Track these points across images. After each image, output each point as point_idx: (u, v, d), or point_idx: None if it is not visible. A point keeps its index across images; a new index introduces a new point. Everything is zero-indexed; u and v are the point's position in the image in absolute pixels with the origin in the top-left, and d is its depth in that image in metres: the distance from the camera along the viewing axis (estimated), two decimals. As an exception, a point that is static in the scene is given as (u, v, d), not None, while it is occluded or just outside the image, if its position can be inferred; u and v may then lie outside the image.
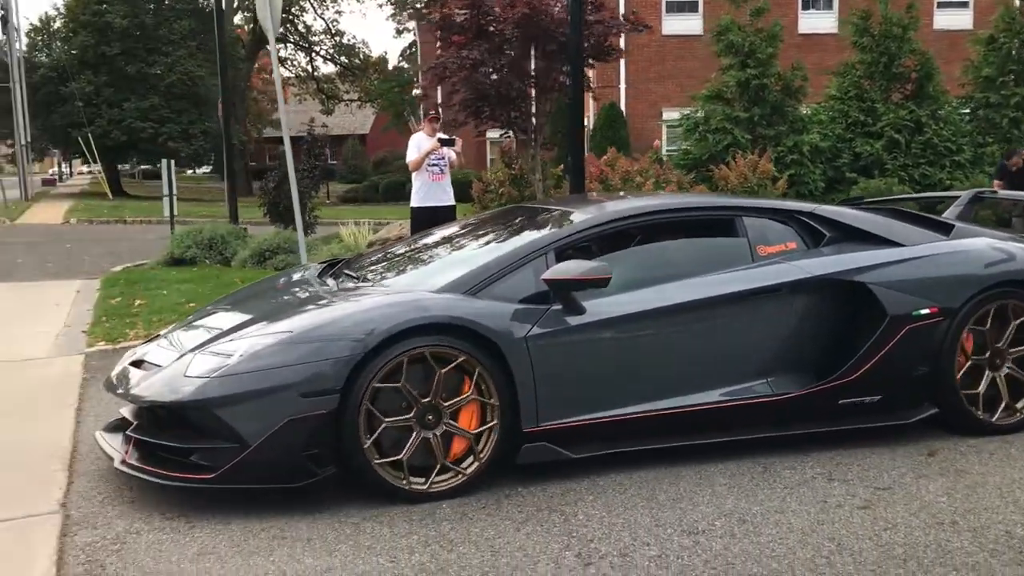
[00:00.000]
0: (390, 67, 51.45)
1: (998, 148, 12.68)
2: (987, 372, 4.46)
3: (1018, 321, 4.48)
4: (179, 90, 36.63)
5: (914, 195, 4.73)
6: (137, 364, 4.23)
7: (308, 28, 50.46)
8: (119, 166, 43.14)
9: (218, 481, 3.62)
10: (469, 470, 3.81)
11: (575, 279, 3.93)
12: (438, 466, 3.77)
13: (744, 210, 4.63)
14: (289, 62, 52.42)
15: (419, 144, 9.25)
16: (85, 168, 74.89)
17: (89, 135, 33.18)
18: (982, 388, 4.44)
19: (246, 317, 4.34)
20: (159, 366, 4.03)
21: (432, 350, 3.74)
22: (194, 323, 4.64)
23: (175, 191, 15.03)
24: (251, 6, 48.89)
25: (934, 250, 4.57)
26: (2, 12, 34.08)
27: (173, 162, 14.28)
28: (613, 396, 4.05)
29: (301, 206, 14.56)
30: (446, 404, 3.78)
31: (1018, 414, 4.51)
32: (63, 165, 68.09)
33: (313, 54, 51.24)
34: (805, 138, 12.41)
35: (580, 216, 4.50)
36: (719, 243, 4.54)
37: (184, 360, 3.92)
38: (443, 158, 9.22)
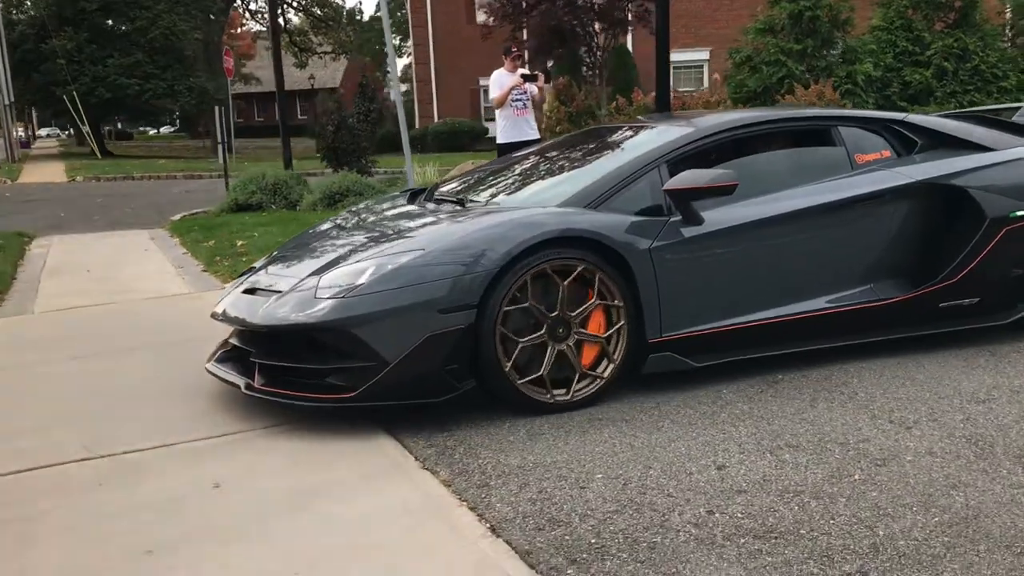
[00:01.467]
0: (366, 18, 50.67)
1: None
2: None
3: None
4: (162, 45, 35.81)
5: (988, 108, 5.06)
6: (250, 292, 4.18)
7: (278, -19, 49.42)
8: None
9: (357, 400, 3.65)
10: (606, 373, 3.92)
11: (702, 187, 3.98)
12: (576, 375, 3.87)
13: (839, 119, 4.71)
14: (260, 16, 51.43)
15: (500, 81, 9.28)
16: (44, 132, 73.10)
17: (75, 93, 32.39)
18: None
19: (361, 240, 4.31)
20: (279, 291, 3.97)
21: (560, 264, 3.78)
22: (298, 252, 4.53)
23: (223, 139, 14.86)
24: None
25: (1020, 154, 4.67)
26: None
27: (219, 110, 14.12)
28: (730, 305, 4.14)
29: (361, 149, 14.64)
30: (573, 315, 3.84)
31: None
32: (27, 129, 66.44)
33: (284, 5, 50.26)
34: (859, 67, 12.58)
35: (686, 129, 4.51)
36: (819, 152, 4.61)
37: (309, 283, 3.87)
38: (525, 92, 9.28)
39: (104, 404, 4.24)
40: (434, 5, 35.35)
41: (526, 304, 3.76)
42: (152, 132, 77.32)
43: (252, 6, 49.91)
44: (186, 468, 3.46)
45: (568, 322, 3.85)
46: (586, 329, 3.90)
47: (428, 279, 3.67)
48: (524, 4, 11.29)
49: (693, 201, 4.06)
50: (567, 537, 2.75)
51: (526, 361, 3.79)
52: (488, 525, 2.87)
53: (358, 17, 50.60)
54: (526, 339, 3.77)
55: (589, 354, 3.92)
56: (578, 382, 3.89)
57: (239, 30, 58.55)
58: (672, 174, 4.16)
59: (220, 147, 13.50)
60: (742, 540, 2.69)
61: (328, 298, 3.72)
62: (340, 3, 50.37)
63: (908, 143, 4.70)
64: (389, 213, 4.96)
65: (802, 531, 2.73)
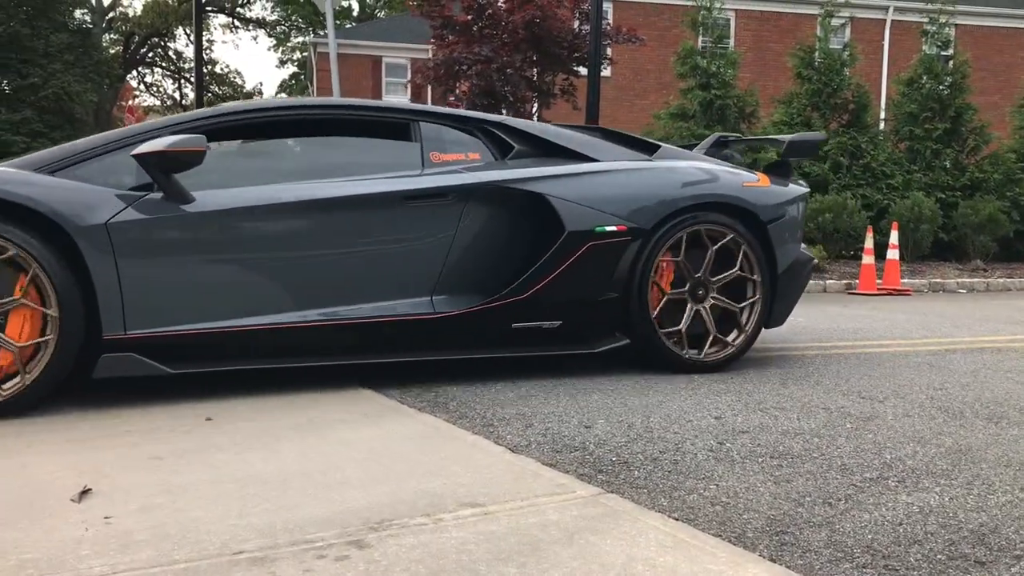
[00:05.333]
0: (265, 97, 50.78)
1: (923, 175, 14.11)
2: (689, 304, 4.18)
3: (716, 247, 4.18)
4: (54, 105, 34.87)
5: (752, 137, 4.65)
6: None
7: (179, 55, 49.24)
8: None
9: None
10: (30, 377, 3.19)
11: (163, 151, 3.31)
12: None
13: (423, 115, 4.17)
14: (156, 88, 50.86)
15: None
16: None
17: (-41, 145, 31.05)
18: (683, 325, 4.15)
19: None
20: None
21: None
22: None
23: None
24: (122, 28, 47.43)
25: (628, 166, 4.23)
26: None
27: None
28: (226, 303, 3.50)
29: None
30: None
31: (729, 347, 4.25)
32: None
33: (183, 81, 49.92)
34: (763, 155, 13.41)
35: (221, 109, 3.90)
36: (384, 146, 4.12)
37: None
38: None
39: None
40: (342, 81, 35.83)
41: None
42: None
43: (148, 79, 49.18)
44: (173, 406, 3.32)
45: None
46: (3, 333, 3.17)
47: None
48: (457, 68, 11.62)
49: (170, 172, 3.39)
50: (587, 457, 2.77)
51: None
52: (506, 446, 2.87)
53: (256, 98, 50.54)
54: None
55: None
56: None
57: (132, 101, 57.65)
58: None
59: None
60: (759, 459, 2.77)
61: None
62: (241, 84, 50.33)
63: (505, 147, 4.21)
64: None
65: (814, 455, 2.83)
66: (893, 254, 10.36)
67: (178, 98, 49.59)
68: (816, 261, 5.12)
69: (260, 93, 51.66)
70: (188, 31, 44.82)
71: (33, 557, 1.90)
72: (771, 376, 4.23)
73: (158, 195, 3.43)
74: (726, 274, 4.24)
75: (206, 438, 2.93)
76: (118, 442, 2.87)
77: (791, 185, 4.59)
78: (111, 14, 46.15)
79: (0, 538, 2.02)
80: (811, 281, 10.58)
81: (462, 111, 4.42)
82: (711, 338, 4.24)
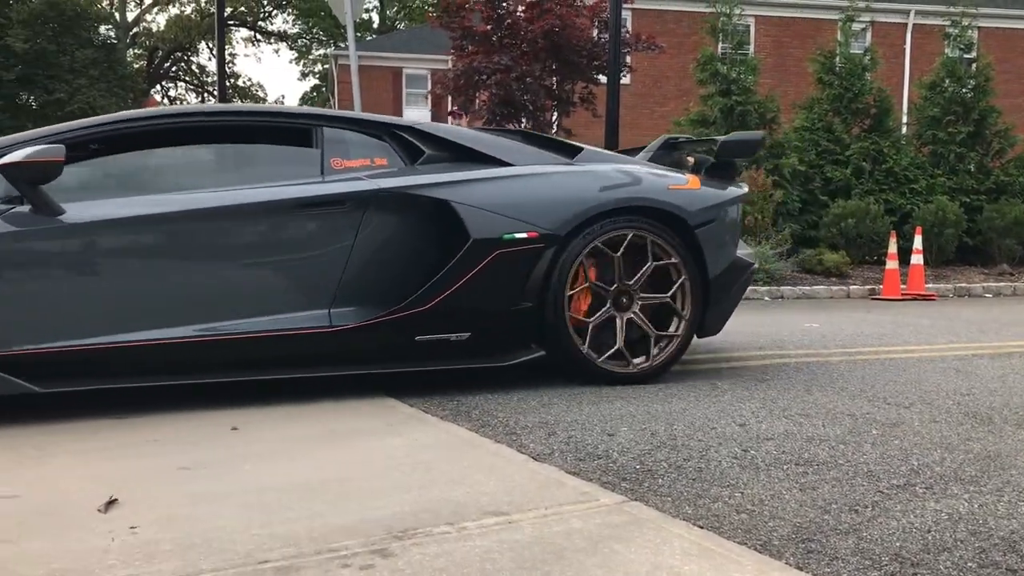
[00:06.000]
0: (289, 111, 51.24)
1: (947, 179, 13.98)
2: (612, 311, 4.00)
3: (641, 253, 4.00)
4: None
5: (687, 138, 4.33)
6: None
7: (202, 69, 49.78)
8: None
9: None
10: None
11: (21, 162, 3.21)
12: None
13: (326, 120, 3.98)
14: (179, 102, 51.36)
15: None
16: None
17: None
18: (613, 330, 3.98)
19: None
20: None
21: None
22: None
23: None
24: (146, 43, 48.06)
25: (543, 171, 4.04)
26: None
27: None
28: (105, 319, 3.37)
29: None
30: None
31: (655, 359, 4.06)
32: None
33: (206, 94, 50.43)
34: (785, 161, 13.32)
35: (113, 117, 3.76)
36: (282, 153, 3.96)
37: None
38: None
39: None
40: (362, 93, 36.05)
41: None
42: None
43: (171, 93, 49.74)
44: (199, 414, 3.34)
45: None
46: None
47: None
48: (477, 78, 11.67)
49: (35, 183, 3.29)
50: (611, 465, 2.76)
51: None
52: (529, 455, 2.86)
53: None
54: None
55: None
56: None
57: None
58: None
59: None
60: (785, 466, 2.75)
61: None
62: (263, 97, 50.80)
63: (416, 152, 4.03)
64: None
65: (839, 462, 2.81)
66: (917, 259, 10.28)
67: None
68: (756, 266, 4.47)
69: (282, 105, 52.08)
70: (211, 45, 45.35)
71: (61, 567, 1.92)
72: (795, 382, 4.20)
73: (26, 207, 3.33)
74: (650, 280, 4.05)
75: (231, 448, 2.94)
76: (144, 451, 2.90)
77: (729, 188, 4.37)
78: (135, 29, 46.81)
79: (29, 548, 2.04)
80: (835, 287, 10.55)
81: (370, 115, 4.21)
82: (635, 348, 4.06)
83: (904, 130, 15.45)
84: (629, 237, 3.98)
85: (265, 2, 48.75)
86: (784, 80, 20.75)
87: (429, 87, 23.98)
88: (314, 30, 49.67)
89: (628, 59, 13.58)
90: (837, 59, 14.57)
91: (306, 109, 4.34)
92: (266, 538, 2.08)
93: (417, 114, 26.35)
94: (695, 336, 4.26)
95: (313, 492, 2.44)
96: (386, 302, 3.69)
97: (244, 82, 50.52)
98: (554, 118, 12.14)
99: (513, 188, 3.91)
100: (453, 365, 3.82)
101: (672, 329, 4.13)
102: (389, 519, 2.20)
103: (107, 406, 3.50)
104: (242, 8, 46.63)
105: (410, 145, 4.04)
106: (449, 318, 3.73)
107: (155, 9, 47.04)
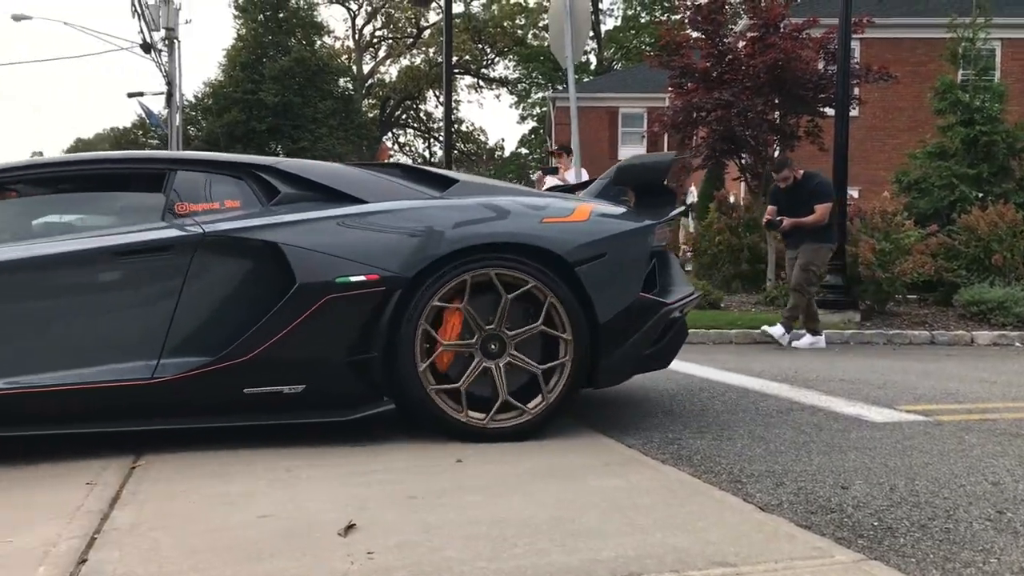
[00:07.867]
0: (507, 153, 53.02)
1: None
2: (476, 359, 3.58)
3: (513, 295, 3.56)
4: (321, 165, 38.30)
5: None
6: None
7: (428, 115, 52.49)
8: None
9: None
10: None
11: None
12: None
13: (180, 163, 3.83)
14: (408, 147, 54.38)
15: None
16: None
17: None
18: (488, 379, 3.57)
19: None
20: None
21: None
22: None
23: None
24: (379, 93, 51.43)
25: (396, 207, 3.70)
26: (167, 88, 36.40)
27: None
28: None
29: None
30: None
31: (526, 415, 3.59)
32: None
33: (431, 140, 53.12)
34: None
35: None
36: (125, 200, 3.86)
37: None
38: (563, 181, 9.48)
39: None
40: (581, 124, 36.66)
41: None
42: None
43: (401, 139, 52.78)
44: (427, 448, 3.48)
45: None
46: None
47: None
48: (696, 115, 11.57)
49: None
50: (845, 520, 2.60)
51: None
52: (756, 504, 2.75)
53: (498, 154, 52.89)
54: None
55: None
56: None
57: (387, 161, 61.99)
58: None
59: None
60: (1049, 533, 2.48)
61: None
62: (484, 141, 52.89)
63: (272, 192, 3.80)
64: None
65: (1116, 532, 2.50)
66: None
67: (427, 156, 52.89)
68: (674, 306, 3.86)
69: (502, 149, 53.96)
70: (437, 93, 47.87)
71: (306, 585, 2.04)
72: (1057, 439, 3.80)
73: None
74: (527, 327, 3.60)
75: (457, 480, 3.03)
76: (377, 479, 3.04)
77: (641, 219, 3.90)
78: (369, 81, 50.17)
79: (276, 566, 2.19)
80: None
81: (228, 156, 4.02)
82: (500, 402, 3.58)
83: None
84: (498, 276, 3.57)
85: (488, 50, 50.89)
86: (1035, 107, 19.07)
87: (645, 125, 24.01)
88: (533, 74, 51.19)
89: (857, 91, 12.94)
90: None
91: (161, 154, 4.20)
92: (492, 572, 2.12)
93: (632, 152, 26.42)
94: (592, 387, 3.79)
95: (537, 528, 2.46)
96: (216, 352, 3.47)
97: (467, 127, 52.75)
98: (775, 153, 11.76)
99: (357, 227, 3.63)
100: (286, 420, 3.57)
101: (548, 384, 3.62)
102: (613, 561, 2.18)
103: (344, 437, 3.71)
104: (467, 57, 48.87)
105: (267, 185, 3.83)
106: (277, 369, 3.47)
107: (388, 61, 50.32)
